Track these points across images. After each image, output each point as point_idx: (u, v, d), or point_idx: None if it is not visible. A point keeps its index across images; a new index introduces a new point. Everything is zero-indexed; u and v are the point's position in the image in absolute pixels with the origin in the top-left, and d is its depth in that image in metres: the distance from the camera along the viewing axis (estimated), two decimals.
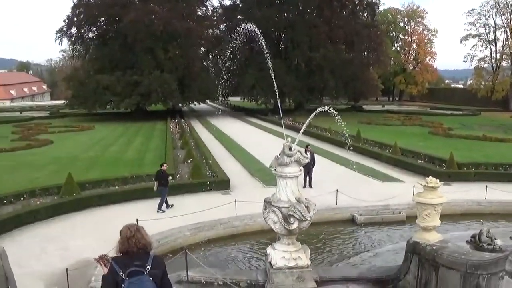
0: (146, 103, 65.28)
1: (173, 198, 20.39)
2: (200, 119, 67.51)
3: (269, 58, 14.34)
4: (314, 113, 11.89)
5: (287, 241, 11.23)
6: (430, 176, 11.30)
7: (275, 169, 11.19)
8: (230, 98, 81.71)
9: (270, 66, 13.87)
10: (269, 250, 11.42)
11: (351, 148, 28.62)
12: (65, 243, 15.41)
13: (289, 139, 11.19)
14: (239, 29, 13.46)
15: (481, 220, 18.78)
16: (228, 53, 53.89)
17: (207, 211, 17.78)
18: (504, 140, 39.07)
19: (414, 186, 19.69)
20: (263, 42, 14.01)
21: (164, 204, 19.34)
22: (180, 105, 72.97)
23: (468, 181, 24.01)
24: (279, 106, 14.92)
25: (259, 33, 13.09)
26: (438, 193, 10.78)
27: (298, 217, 10.48)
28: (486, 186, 21.25)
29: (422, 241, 10.84)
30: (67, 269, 11.84)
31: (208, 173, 24.88)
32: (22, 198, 19.34)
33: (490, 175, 24.47)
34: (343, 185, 21.37)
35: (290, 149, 10.87)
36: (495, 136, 40.69)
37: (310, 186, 23.09)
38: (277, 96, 14.56)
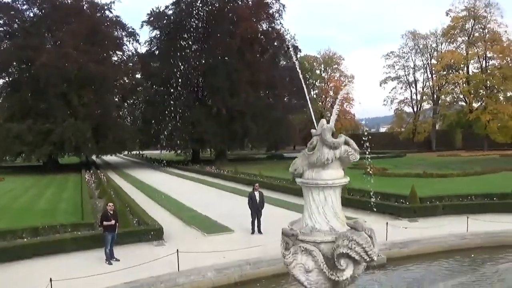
0: (59, 153, 61.42)
1: (96, 252, 17.11)
2: (116, 171, 63.66)
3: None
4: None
5: None
6: None
7: (300, 175, 7.25)
8: (147, 150, 78.25)
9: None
10: None
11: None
12: None
13: (323, 120, 7.24)
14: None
15: (472, 255, 16.61)
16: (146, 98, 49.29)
17: (141, 265, 14.59)
18: (446, 176, 38.57)
19: (387, 223, 18.38)
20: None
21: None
22: (94, 157, 68.73)
23: (434, 216, 22.36)
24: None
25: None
26: None
27: (357, 257, 6.41)
28: (467, 218, 19.56)
29: None
30: None
31: (134, 222, 21.53)
32: None
33: (457, 207, 23.01)
34: None
35: (333, 134, 6.92)
36: (436, 172, 40.12)
37: (260, 231, 20.05)
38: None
